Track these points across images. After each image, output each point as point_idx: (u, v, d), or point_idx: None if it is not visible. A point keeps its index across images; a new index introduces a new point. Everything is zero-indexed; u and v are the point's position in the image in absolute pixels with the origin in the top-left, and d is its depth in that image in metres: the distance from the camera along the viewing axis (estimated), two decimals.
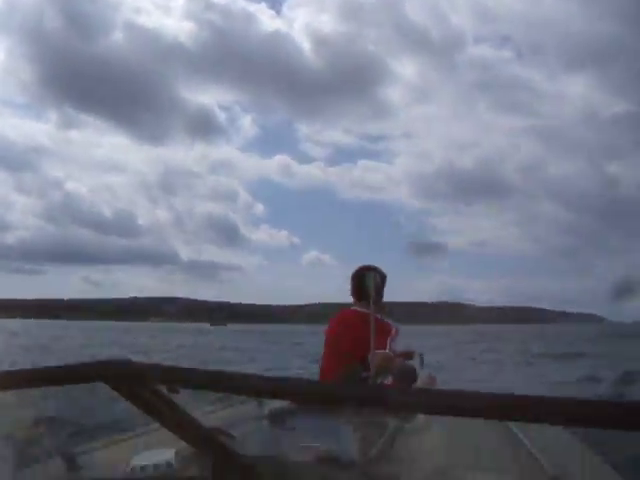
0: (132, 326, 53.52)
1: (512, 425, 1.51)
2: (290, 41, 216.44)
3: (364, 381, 1.64)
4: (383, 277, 2.30)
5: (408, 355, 2.45)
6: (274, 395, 0.76)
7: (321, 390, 0.65)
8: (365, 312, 1.98)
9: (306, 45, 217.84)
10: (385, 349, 2.11)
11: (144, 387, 0.73)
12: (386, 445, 1.24)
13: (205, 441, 0.99)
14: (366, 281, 2.06)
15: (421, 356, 2.78)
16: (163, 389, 0.75)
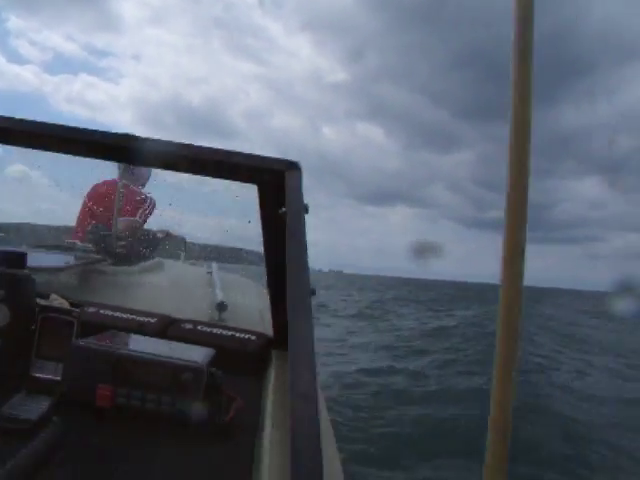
0: None
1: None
2: None
3: (105, 238, 1.74)
4: None
5: (166, 234, 2.40)
6: None
7: None
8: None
9: None
10: (135, 217, 2.18)
11: None
12: None
13: None
14: None
15: (184, 240, 2.65)
16: None
